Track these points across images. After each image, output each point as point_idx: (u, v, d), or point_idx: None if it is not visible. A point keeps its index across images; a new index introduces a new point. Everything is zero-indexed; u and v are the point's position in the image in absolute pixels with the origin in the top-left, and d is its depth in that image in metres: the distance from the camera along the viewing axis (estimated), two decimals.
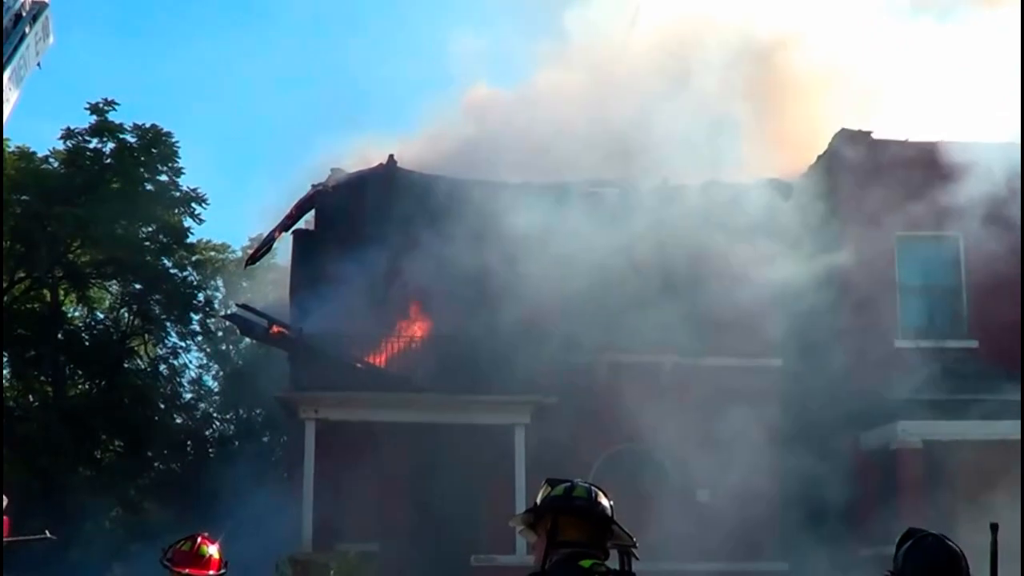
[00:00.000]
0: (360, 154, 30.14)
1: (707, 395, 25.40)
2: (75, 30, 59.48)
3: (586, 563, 5.02)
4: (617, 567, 5.11)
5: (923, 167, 24.71)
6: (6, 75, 11.29)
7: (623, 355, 26.16)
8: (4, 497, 9.69)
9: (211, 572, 8.03)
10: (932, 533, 5.63)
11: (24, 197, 34.30)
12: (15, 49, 12.32)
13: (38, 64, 13.43)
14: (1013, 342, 24.51)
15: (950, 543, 5.53)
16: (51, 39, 13.95)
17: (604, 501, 5.19)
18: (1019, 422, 23.76)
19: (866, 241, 24.92)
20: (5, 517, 9.77)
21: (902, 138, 26.89)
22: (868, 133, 26.71)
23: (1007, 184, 24.45)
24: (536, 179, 27.25)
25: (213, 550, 8.10)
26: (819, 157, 27.22)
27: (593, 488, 5.22)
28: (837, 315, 24.55)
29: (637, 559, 5.19)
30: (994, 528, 6.07)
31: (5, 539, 9.95)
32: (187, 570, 7.97)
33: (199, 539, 8.14)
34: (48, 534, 11.95)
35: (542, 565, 5.10)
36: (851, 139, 26.48)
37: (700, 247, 25.38)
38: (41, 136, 58.24)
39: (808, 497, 25.48)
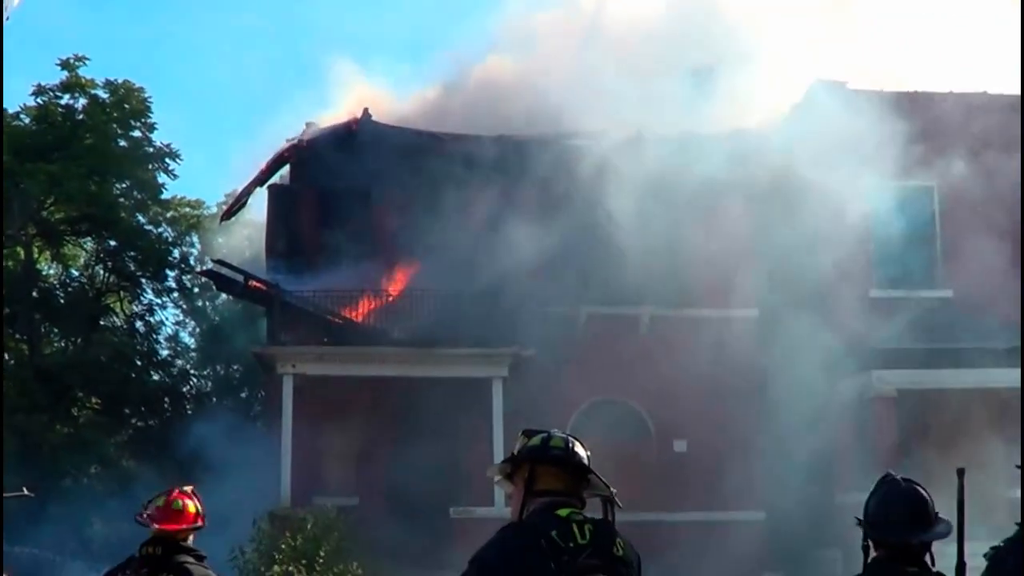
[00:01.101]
0: (336, 108, 30.17)
1: (685, 346, 25.52)
2: None
3: (563, 512, 5.07)
4: (593, 516, 5.22)
5: (898, 117, 24.74)
6: None
7: (601, 307, 26.28)
8: None
9: (185, 526, 8.09)
10: (901, 478, 5.74)
11: None
12: None
13: (7, 18, 13.33)
14: (987, 291, 24.69)
15: (918, 487, 5.62)
16: None
17: (581, 451, 5.25)
18: (994, 371, 24.08)
19: (840, 191, 25.01)
20: None
21: (877, 88, 27.01)
22: (843, 83, 26.75)
23: (981, 134, 24.60)
24: (514, 132, 27.34)
25: (189, 503, 8.14)
26: (794, 107, 27.23)
27: (570, 438, 5.28)
28: (813, 265, 24.68)
29: (620, 507, 5.28)
30: (960, 473, 6.18)
31: None
32: (161, 525, 8.05)
33: (174, 493, 8.18)
34: (25, 491, 11.99)
35: (520, 514, 5.19)
36: (826, 89, 26.53)
37: (677, 200, 25.45)
38: (11, 93, 57.92)
39: (785, 446, 25.71)
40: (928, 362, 24.56)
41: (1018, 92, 24.41)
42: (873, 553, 5.61)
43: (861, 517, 5.64)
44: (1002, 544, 6.45)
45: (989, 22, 27.42)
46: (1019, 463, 6.96)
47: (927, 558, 5.53)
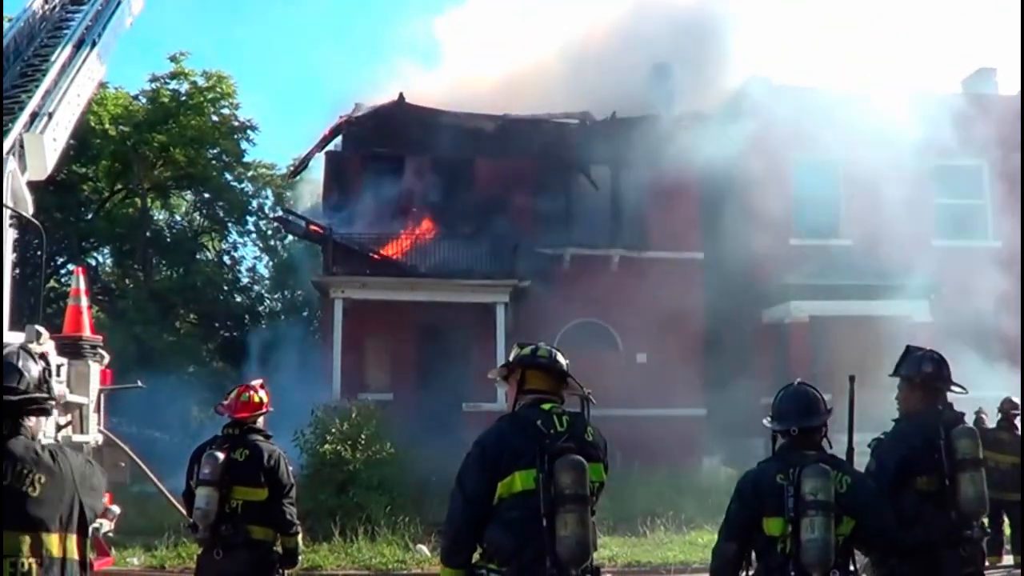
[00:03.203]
0: (380, 90, 29.90)
1: (646, 280, 25.47)
2: None
3: (547, 406, 5.09)
4: (572, 410, 5.22)
5: (813, 106, 24.55)
6: (96, 50, 11.01)
7: (582, 249, 26.21)
8: (107, 355, 9.81)
9: (254, 412, 8.05)
10: (796, 382, 5.74)
11: (121, 127, 34.52)
12: (111, 15, 12.03)
13: (130, 24, 13.13)
14: (878, 239, 24.69)
15: (808, 388, 5.61)
16: (142, 4, 13.59)
17: (562, 359, 5.28)
18: (881, 302, 24.08)
19: (769, 161, 24.88)
20: (108, 370, 9.90)
21: (796, 83, 26.88)
22: (768, 79, 26.69)
23: (876, 122, 24.37)
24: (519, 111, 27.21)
25: (254, 395, 8.06)
26: (734, 96, 27.05)
27: (553, 349, 5.30)
28: (747, 219, 24.57)
29: (594, 403, 5.29)
30: (851, 379, 6.17)
31: (108, 386, 10.04)
32: (235, 414, 8.01)
33: (243, 388, 8.17)
34: (140, 383, 12.07)
35: (513, 407, 5.20)
36: (757, 83, 26.44)
37: (642, 166, 25.35)
38: (133, 79, 57.80)
39: (722, 359, 25.72)
40: (832, 295, 24.57)
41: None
42: (781, 441, 5.62)
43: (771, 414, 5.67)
44: (882, 436, 6.46)
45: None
46: (891, 372, 6.89)
47: (824, 444, 5.52)
